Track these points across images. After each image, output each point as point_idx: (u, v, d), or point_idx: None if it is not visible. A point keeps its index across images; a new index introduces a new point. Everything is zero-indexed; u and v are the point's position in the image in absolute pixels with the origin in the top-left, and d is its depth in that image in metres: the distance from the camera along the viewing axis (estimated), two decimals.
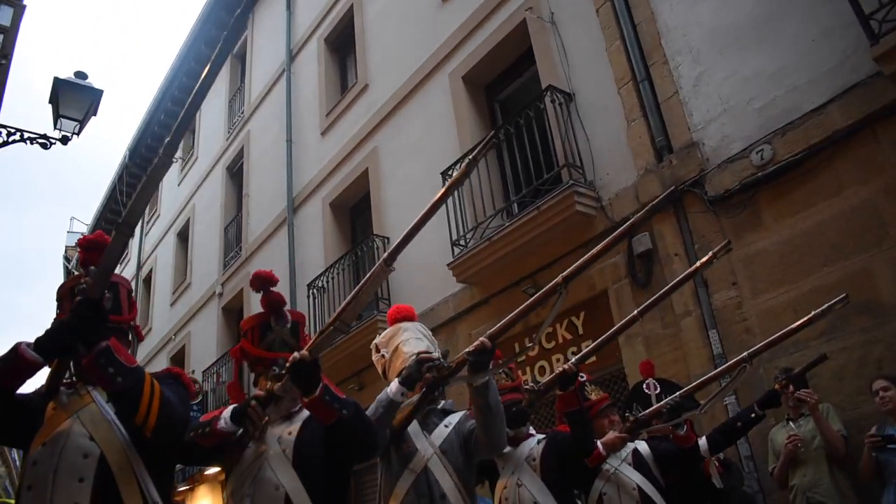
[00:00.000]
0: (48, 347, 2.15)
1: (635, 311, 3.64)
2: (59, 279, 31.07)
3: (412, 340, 3.26)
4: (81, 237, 2.50)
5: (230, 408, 2.49)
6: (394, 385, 3.02)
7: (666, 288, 3.71)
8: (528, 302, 2.84)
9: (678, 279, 3.68)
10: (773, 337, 3.94)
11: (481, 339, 2.81)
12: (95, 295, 2.02)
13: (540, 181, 7.47)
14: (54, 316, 2.53)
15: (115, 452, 2.24)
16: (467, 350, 2.83)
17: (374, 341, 3.49)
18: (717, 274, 6.00)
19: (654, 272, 6.51)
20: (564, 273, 2.79)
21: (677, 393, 4.15)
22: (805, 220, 5.55)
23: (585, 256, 2.85)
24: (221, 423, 2.45)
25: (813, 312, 3.77)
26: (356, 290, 2.56)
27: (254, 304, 13.20)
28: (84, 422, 2.29)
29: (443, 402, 3.36)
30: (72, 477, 2.19)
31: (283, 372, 2.38)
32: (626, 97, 7.04)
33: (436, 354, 3.28)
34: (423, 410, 3.16)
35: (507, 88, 9.39)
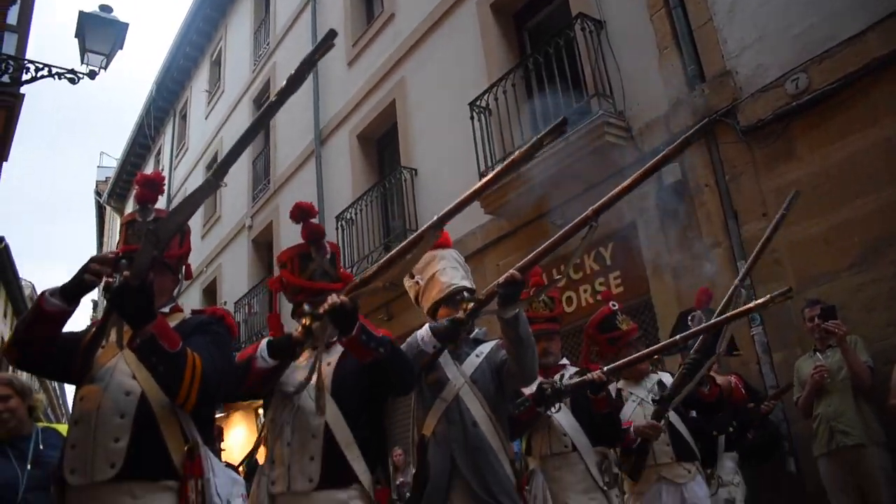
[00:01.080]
0: (74, 292, 2.24)
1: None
2: (92, 213, 31.53)
3: (448, 270, 3.27)
4: (139, 174, 2.54)
5: (264, 342, 2.56)
6: (426, 333, 3.06)
7: (724, 317, 3.70)
8: (558, 235, 2.80)
9: (733, 313, 3.67)
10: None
11: (511, 271, 2.81)
12: (135, 282, 2.04)
13: (569, 111, 7.37)
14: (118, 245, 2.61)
15: (156, 391, 2.28)
16: (497, 282, 2.83)
17: None
18: (747, 205, 5.95)
19: (683, 203, 6.46)
20: (595, 206, 2.74)
21: (690, 357, 4.03)
22: (839, 151, 5.45)
23: (615, 190, 2.79)
24: (260, 363, 2.55)
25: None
26: (400, 249, 2.59)
27: (283, 236, 13.35)
28: (128, 360, 2.34)
29: (475, 330, 3.37)
30: (114, 413, 2.26)
31: (322, 312, 2.43)
32: (658, 24, 6.88)
33: (467, 283, 3.30)
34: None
35: (537, 16, 9.19)
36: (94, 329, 2.33)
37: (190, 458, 2.26)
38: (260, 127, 1.97)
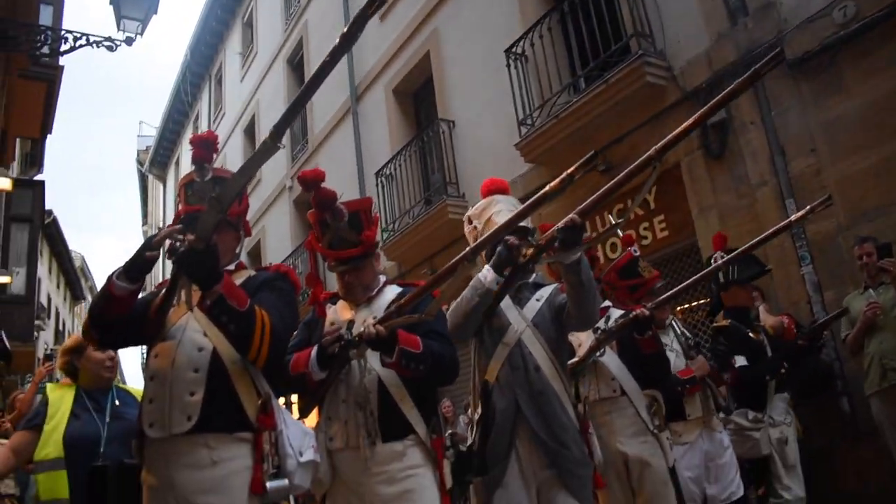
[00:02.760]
0: (135, 270, 2.30)
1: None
2: (135, 182, 32.02)
3: (504, 212, 3.18)
4: (193, 135, 2.58)
5: (314, 354, 2.61)
6: (488, 273, 3.02)
7: (754, 241, 3.67)
8: (618, 178, 2.66)
9: (774, 229, 3.68)
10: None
11: (571, 215, 2.72)
12: (200, 245, 2.10)
13: (608, 53, 7.23)
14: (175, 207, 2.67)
15: (226, 347, 2.35)
16: (557, 226, 2.77)
17: (468, 213, 3.47)
18: (794, 140, 5.80)
19: (728, 142, 6.32)
20: (657, 146, 2.57)
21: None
22: (889, 81, 5.26)
23: (679, 129, 2.59)
24: (314, 377, 2.62)
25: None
26: (434, 278, 2.68)
27: None
28: (198, 318, 2.40)
29: (534, 275, 3.35)
30: (188, 368, 2.33)
31: (358, 340, 2.54)
32: None
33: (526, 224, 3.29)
34: (514, 286, 3.16)
35: None
36: (163, 292, 2.39)
37: (264, 411, 2.33)
38: (314, 87, 1.96)
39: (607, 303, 4.15)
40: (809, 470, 4.80)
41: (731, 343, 4.62)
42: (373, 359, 2.69)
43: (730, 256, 4.08)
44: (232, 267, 2.62)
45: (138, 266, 2.29)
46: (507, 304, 3.18)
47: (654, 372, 3.90)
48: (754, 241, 3.73)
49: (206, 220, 2.10)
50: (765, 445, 4.50)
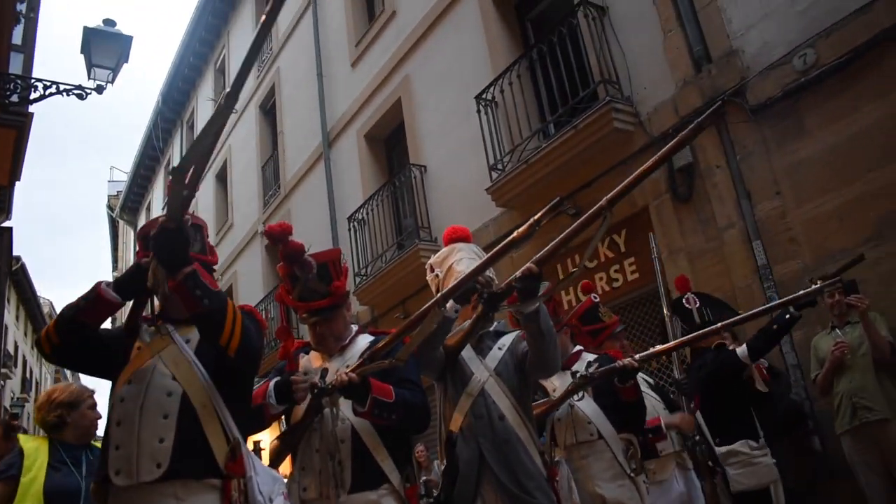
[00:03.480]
0: (126, 288, 2.31)
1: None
2: (105, 228, 31.75)
3: (465, 260, 3.21)
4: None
5: (272, 386, 2.63)
6: (450, 305, 2.97)
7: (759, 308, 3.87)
8: (572, 227, 2.70)
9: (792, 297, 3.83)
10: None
11: (528, 264, 2.74)
12: (171, 224, 2.07)
13: (576, 99, 7.36)
14: (134, 255, 2.66)
15: (197, 391, 2.32)
16: (515, 276, 2.78)
17: (429, 261, 3.48)
18: (759, 184, 5.92)
19: (695, 185, 6.43)
20: (609, 196, 2.63)
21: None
22: (850, 125, 5.40)
23: (627, 180, 2.67)
24: (273, 411, 2.64)
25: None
26: (406, 325, 2.71)
27: None
28: (166, 362, 2.37)
29: (495, 323, 3.33)
30: (157, 414, 2.28)
31: (331, 388, 2.57)
32: (661, 7, 6.84)
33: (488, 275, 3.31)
34: (476, 336, 3.16)
35: (538, 6, 9.17)
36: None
37: (232, 457, 2.28)
38: (267, 28, 1.89)
39: (579, 347, 4.17)
40: None
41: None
42: (346, 408, 2.67)
43: (728, 322, 4.04)
44: None
45: (127, 283, 2.31)
46: (469, 354, 3.17)
47: (632, 418, 3.92)
48: (760, 308, 3.92)
49: (174, 199, 2.05)
50: (774, 472, 4.44)
